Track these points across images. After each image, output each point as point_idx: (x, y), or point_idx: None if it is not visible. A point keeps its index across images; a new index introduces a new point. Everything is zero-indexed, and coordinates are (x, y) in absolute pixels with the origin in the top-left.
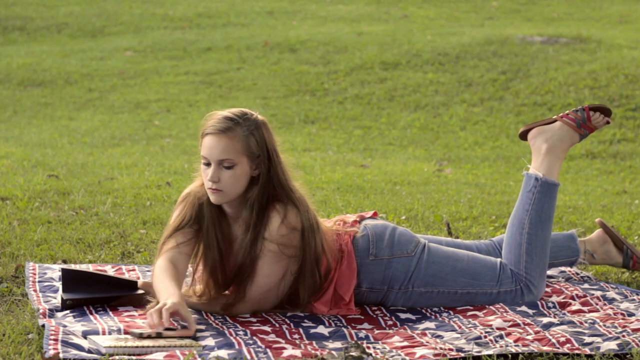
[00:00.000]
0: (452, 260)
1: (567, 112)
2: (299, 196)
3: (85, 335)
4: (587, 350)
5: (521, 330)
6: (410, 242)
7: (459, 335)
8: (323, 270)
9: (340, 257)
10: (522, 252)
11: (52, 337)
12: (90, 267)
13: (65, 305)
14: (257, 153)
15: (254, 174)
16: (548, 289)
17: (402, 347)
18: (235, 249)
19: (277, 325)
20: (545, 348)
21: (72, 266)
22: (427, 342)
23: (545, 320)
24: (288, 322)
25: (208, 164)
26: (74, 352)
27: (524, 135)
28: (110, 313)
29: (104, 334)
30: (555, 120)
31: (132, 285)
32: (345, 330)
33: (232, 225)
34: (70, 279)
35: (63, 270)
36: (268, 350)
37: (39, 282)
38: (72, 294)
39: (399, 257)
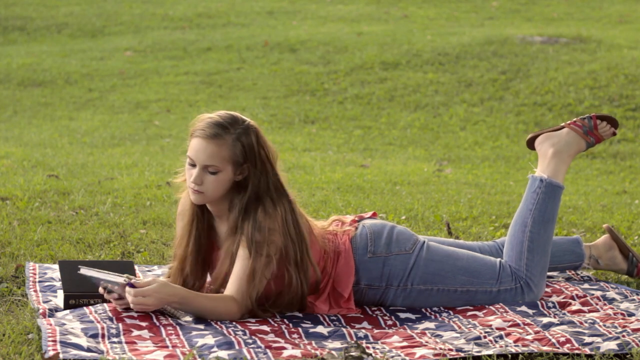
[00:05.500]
0: (451, 258)
1: (574, 119)
2: (287, 200)
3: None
4: (587, 350)
5: (521, 330)
6: (409, 240)
7: (458, 335)
8: (311, 279)
9: (337, 255)
10: (523, 249)
11: (50, 338)
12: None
13: (67, 305)
14: (243, 160)
15: (237, 179)
16: (548, 289)
17: (402, 347)
18: (221, 252)
19: (275, 325)
20: (545, 348)
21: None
22: (427, 342)
23: (545, 320)
24: (287, 321)
25: (193, 165)
26: (74, 352)
27: (530, 143)
28: (110, 313)
29: (103, 334)
30: (562, 127)
31: (128, 266)
32: (344, 329)
33: (216, 222)
34: (68, 272)
35: (60, 262)
36: (268, 350)
37: (39, 282)
38: (72, 288)
39: (396, 255)
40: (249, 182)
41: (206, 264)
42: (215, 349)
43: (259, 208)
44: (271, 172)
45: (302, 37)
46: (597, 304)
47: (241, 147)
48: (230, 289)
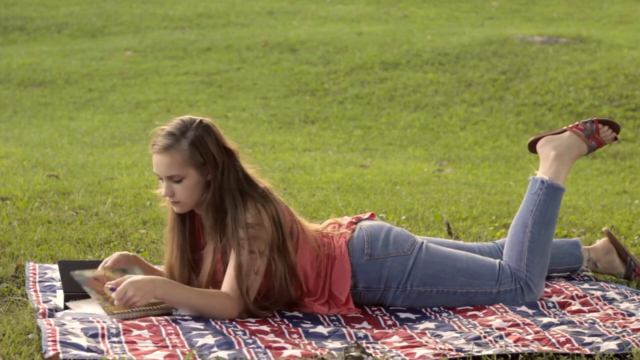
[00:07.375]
0: (451, 260)
1: (576, 123)
2: (261, 192)
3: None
4: (587, 350)
5: (521, 330)
6: (407, 241)
7: (458, 335)
8: (308, 272)
9: (332, 259)
10: (524, 250)
11: (49, 338)
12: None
13: (67, 305)
14: (203, 161)
15: (208, 179)
16: (548, 289)
17: (402, 347)
18: (205, 252)
19: (275, 325)
20: (545, 348)
21: None
22: (427, 342)
23: (545, 320)
24: (287, 322)
25: (161, 179)
26: (74, 352)
27: (532, 146)
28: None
29: (103, 333)
30: (564, 131)
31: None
32: (344, 329)
33: (204, 222)
34: (68, 272)
35: (60, 262)
36: (268, 350)
37: (39, 282)
38: (72, 288)
39: (394, 256)
40: (214, 182)
41: (196, 265)
42: (215, 349)
43: (237, 204)
44: (235, 166)
45: (302, 37)
46: (597, 304)
47: (195, 148)
48: (224, 286)
